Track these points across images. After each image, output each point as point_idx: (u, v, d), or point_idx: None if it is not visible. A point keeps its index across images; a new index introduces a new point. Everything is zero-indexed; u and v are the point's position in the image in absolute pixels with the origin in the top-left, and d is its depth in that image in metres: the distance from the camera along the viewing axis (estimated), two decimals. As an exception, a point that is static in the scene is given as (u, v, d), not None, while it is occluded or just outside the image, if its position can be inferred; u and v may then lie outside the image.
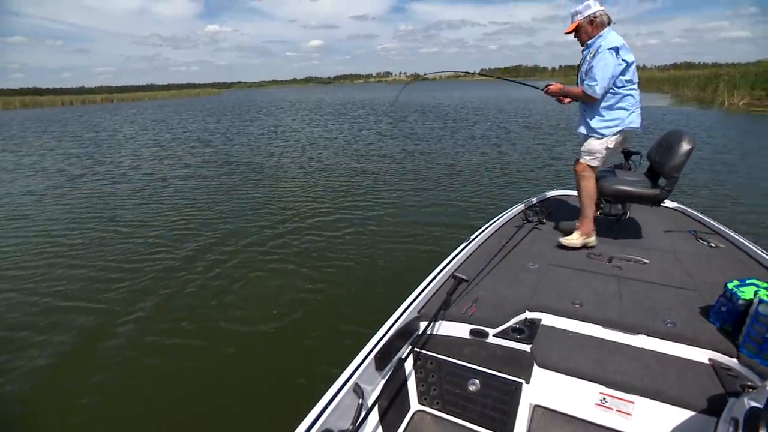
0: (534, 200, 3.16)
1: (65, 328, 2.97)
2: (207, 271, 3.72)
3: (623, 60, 2.08)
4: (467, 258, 2.20)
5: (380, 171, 7.47)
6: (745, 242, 2.24)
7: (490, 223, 2.66)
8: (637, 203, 2.46)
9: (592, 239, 2.31)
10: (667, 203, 2.91)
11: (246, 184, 6.98)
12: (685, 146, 2.17)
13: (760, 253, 2.09)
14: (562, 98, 2.39)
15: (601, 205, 2.66)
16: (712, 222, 2.59)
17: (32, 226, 5.26)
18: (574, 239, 2.29)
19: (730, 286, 1.50)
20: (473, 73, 3.57)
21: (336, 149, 10.08)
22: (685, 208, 2.90)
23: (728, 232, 2.41)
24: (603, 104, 2.19)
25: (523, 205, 3.04)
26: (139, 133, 15.45)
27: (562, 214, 2.80)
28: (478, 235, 2.45)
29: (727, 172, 6.64)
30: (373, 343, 1.45)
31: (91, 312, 3.15)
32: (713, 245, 2.28)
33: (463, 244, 2.28)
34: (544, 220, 2.71)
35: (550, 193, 3.29)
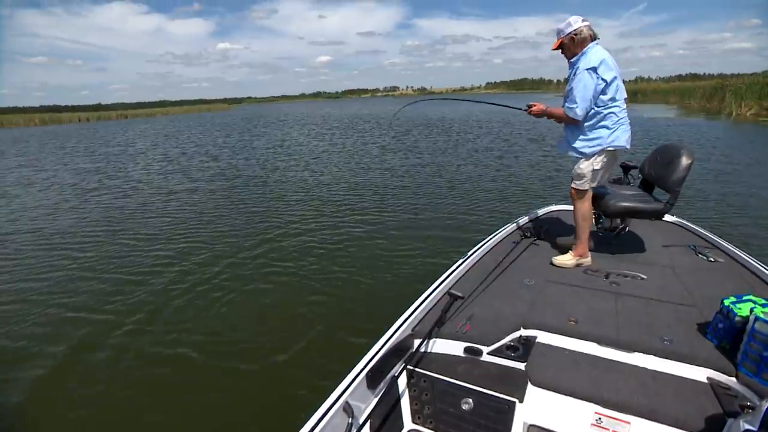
0: (532, 215, 3.14)
1: (67, 337, 3.01)
2: (202, 285, 3.73)
3: (602, 79, 2.04)
4: (463, 274, 2.19)
5: (382, 185, 7.50)
6: (744, 257, 2.20)
7: (487, 239, 2.64)
8: (640, 218, 2.44)
9: (587, 260, 2.28)
10: (666, 217, 2.89)
11: (249, 198, 7.05)
12: (686, 160, 2.17)
13: (760, 267, 2.05)
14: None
15: (600, 220, 2.64)
16: (712, 236, 2.56)
17: (43, 238, 5.40)
18: (567, 260, 2.26)
19: (726, 302, 1.47)
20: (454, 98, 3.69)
21: (338, 164, 10.14)
22: (685, 221, 2.87)
23: (728, 246, 2.37)
24: (585, 123, 2.16)
25: (521, 220, 3.02)
26: (149, 148, 15.78)
27: (561, 229, 2.77)
28: (475, 251, 2.43)
29: (733, 182, 6.54)
30: (365, 361, 1.44)
31: (93, 322, 3.21)
32: (712, 260, 2.25)
33: (459, 261, 2.27)
34: (542, 236, 2.69)
35: (549, 208, 3.26)
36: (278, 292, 3.56)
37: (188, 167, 10.62)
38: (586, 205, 2.28)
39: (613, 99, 2.09)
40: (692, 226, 2.78)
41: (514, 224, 2.94)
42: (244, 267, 4.10)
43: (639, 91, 37.99)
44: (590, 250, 2.32)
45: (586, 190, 2.26)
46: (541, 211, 3.21)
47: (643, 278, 2.06)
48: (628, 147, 2.19)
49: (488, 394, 1.45)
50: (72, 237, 5.37)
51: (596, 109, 2.11)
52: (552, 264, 2.28)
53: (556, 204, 3.31)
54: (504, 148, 11.26)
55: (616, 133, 2.13)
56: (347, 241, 4.70)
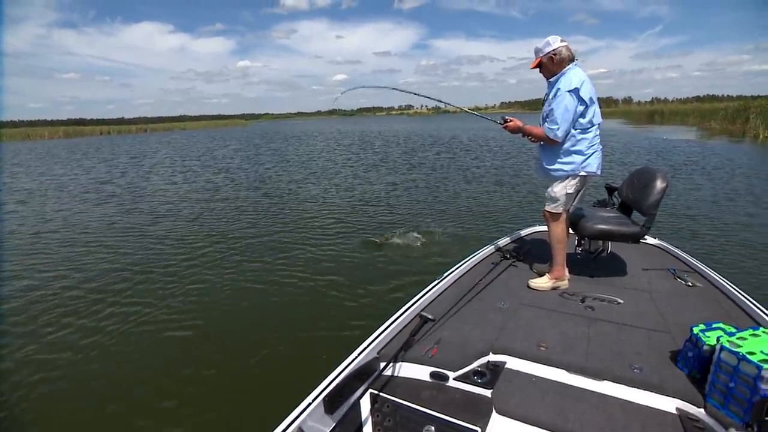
0: (515, 236, 3.07)
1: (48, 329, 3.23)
2: (169, 297, 3.79)
3: (583, 101, 2.00)
4: (437, 296, 2.14)
5: (384, 198, 7.53)
6: (723, 282, 2.13)
7: (466, 259, 2.58)
8: (617, 241, 2.39)
9: (564, 283, 2.22)
10: (648, 240, 2.82)
11: (243, 212, 7.11)
12: (660, 184, 2.16)
13: (736, 293, 1.98)
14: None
15: (582, 241, 2.59)
16: (692, 260, 2.49)
17: (60, 239, 5.82)
18: (543, 283, 2.21)
19: (695, 330, 1.41)
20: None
21: (334, 181, 10.02)
22: (666, 245, 2.81)
23: (707, 270, 2.30)
24: (561, 146, 2.11)
25: (501, 241, 2.96)
26: (161, 161, 16.21)
27: (541, 251, 2.69)
28: (451, 272, 2.38)
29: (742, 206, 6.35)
30: (325, 384, 1.41)
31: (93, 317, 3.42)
32: (690, 284, 2.18)
33: (435, 282, 2.22)
34: (522, 257, 2.62)
35: (532, 229, 3.19)
36: (246, 311, 3.48)
37: (194, 180, 10.89)
38: (560, 228, 2.23)
39: (590, 123, 2.06)
40: (674, 249, 2.71)
41: (495, 245, 2.87)
42: (223, 274, 4.21)
43: (656, 112, 37.29)
44: (570, 273, 2.27)
45: (560, 212, 2.21)
46: (524, 232, 3.14)
47: (619, 302, 2.00)
48: (599, 173, 2.15)
49: (451, 421, 1.39)
50: (89, 236, 5.90)
51: (572, 132, 2.08)
52: (529, 287, 2.22)
53: (540, 225, 3.19)
54: (505, 166, 11.18)
55: (590, 159, 2.10)
56: (328, 255, 4.70)
